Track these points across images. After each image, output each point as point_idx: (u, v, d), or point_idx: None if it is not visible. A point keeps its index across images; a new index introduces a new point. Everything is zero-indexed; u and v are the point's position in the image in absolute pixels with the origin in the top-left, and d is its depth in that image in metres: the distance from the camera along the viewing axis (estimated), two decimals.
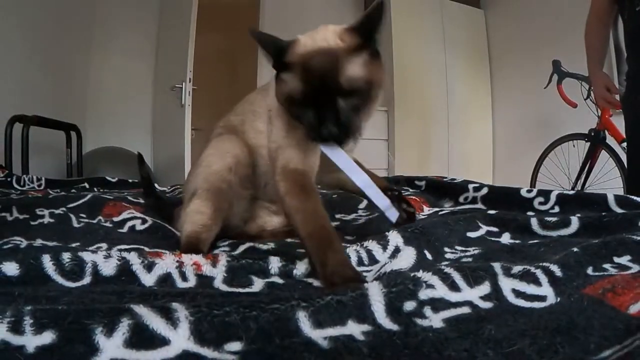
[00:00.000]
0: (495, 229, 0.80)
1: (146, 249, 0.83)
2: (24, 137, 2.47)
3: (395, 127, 3.76)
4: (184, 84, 3.12)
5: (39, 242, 0.84)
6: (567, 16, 3.33)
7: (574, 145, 2.88)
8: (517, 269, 0.49)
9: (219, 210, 0.88)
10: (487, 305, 0.44)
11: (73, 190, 1.61)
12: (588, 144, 2.73)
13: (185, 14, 3.18)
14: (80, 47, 3.66)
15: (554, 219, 0.79)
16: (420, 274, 0.45)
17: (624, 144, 2.45)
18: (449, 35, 4.07)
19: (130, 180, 1.93)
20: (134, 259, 0.59)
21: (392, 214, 0.80)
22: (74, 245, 0.84)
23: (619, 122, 2.45)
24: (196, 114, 3.30)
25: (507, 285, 0.46)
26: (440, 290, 0.44)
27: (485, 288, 0.45)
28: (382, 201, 0.79)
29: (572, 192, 1.06)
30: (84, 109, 3.71)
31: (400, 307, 0.41)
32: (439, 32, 4.05)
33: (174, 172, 3.20)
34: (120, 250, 0.80)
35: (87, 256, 0.58)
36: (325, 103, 0.69)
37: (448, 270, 0.46)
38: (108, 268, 0.57)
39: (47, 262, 0.57)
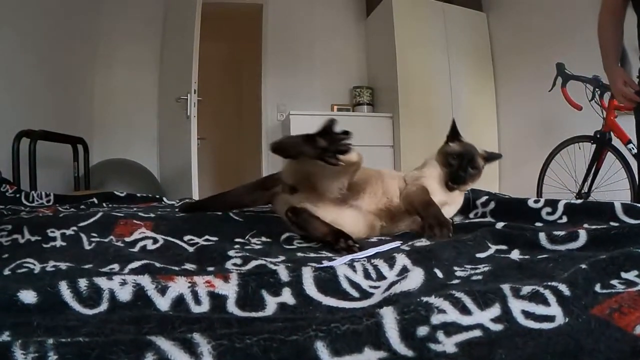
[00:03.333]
0: (504, 247, 0.81)
1: (157, 264, 0.85)
2: (31, 151, 2.51)
3: (400, 133, 3.77)
4: (189, 95, 3.13)
5: (51, 264, 0.84)
6: (569, 18, 3.33)
7: (579, 148, 2.87)
8: (526, 289, 0.49)
9: None
10: (497, 327, 0.44)
11: (83, 207, 1.62)
12: (594, 146, 2.72)
13: (188, 25, 3.20)
14: (85, 60, 3.71)
15: (562, 232, 0.80)
16: (432, 299, 0.46)
17: (630, 145, 2.45)
18: (451, 39, 4.07)
19: (138, 195, 1.95)
20: (147, 284, 0.60)
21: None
22: (86, 267, 0.84)
23: (624, 124, 2.45)
24: (201, 124, 3.31)
25: (516, 306, 0.47)
26: (452, 315, 0.44)
27: (495, 310, 0.46)
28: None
29: (579, 201, 1.07)
30: (90, 122, 3.75)
31: (414, 333, 0.42)
32: (441, 36, 4.06)
33: (181, 183, 3.22)
34: (131, 269, 0.81)
35: (103, 283, 0.59)
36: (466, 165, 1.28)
37: (458, 294, 0.47)
38: (124, 294, 0.58)
39: (65, 289, 0.57)
